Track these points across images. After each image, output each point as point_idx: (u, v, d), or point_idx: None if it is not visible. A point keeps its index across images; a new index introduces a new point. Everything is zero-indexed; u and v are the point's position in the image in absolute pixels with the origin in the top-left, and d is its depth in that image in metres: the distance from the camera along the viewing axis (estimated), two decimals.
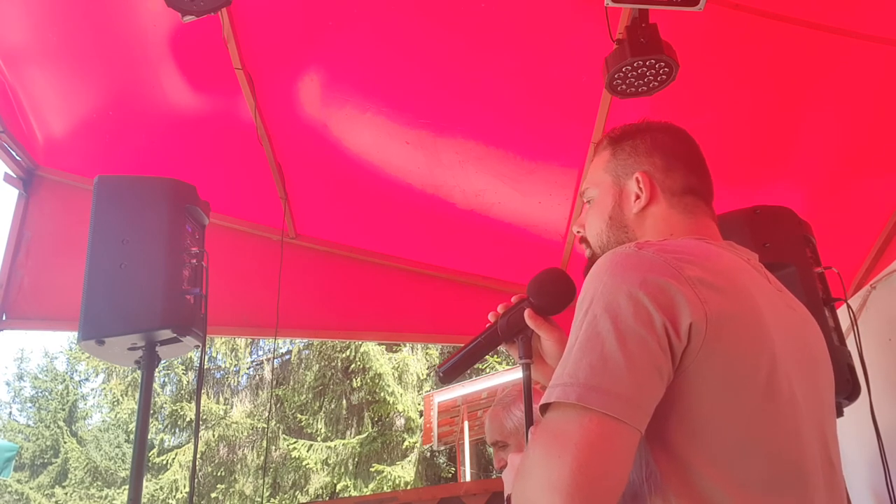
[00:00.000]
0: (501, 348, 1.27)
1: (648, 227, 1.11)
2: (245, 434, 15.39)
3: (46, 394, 20.67)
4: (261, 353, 16.83)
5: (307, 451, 14.48)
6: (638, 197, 1.11)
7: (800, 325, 1.04)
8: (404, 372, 15.32)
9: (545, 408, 0.86)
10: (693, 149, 1.17)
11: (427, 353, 15.78)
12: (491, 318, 1.25)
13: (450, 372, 1.25)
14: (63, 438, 18.36)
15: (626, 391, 0.81)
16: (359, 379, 15.00)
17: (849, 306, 2.00)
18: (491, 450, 2.43)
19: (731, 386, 0.87)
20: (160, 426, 16.34)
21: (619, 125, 1.21)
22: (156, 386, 14.98)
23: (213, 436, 15.10)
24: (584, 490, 0.78)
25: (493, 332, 1.23)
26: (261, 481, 14.86)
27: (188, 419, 15.64)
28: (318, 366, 15.83)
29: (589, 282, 0.93)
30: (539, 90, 2.48)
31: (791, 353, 0.95)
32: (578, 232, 1.22)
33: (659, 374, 0.84)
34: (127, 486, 1.89)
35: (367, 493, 12.64)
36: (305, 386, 15.82)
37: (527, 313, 1.20)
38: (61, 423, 19.07)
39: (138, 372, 1.96)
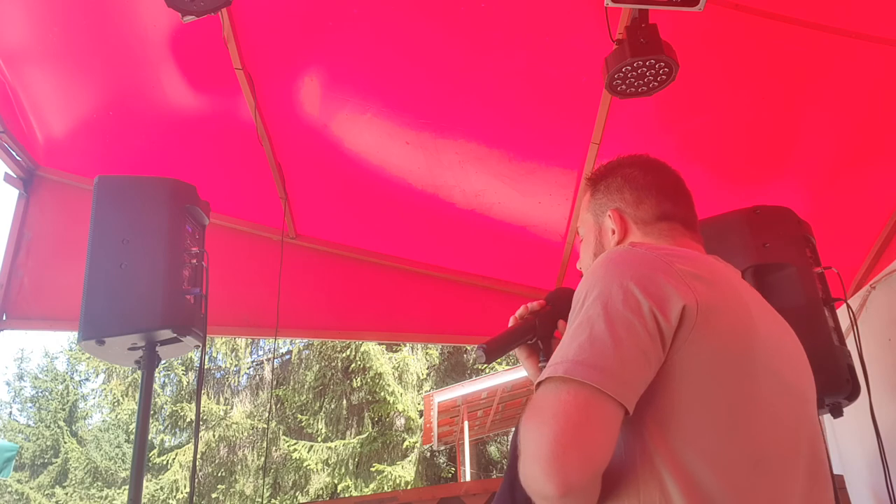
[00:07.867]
0: (514, 352, 1.29)
1: None
2: (245, 434, 15.38)
3: (46, 394, 20.66)
4: (261, 353, 16.83)
5: (307, 452, 14.48)
6: (614, 232, 1.21)
7: (782, 328, 1.08)
8: (404, 372, 15.32)
9: (538, 387, 0.91)
10: (664, 177, 1.23)
11: (427, 353, 15.79)
12: (519, 313, 1.28)
13: (495, 348, 1.21)
14: (63, 438, 18.35)
15: (608, 365, 0.86)
16: (359, 379, 14.99)
17: (849, 306, 2.00)
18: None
19: (718, 369, 0.92)
20: (160, 426, 16.34)
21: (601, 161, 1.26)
22: (156, 386, 15.00)
23: (214, 436, 15.09)
24: (561, 458, 0.81)
25: (531, 324, 1.26)
26: (261, 481, 14.86)
27: (188, 419, 15.63)
28: (318, 366, 15.83)
29: (586, 278, 1.00)
30: (539, 90, 2.48)
31: (775, 348, 1.00)
32: (580, 268, 1.30)
33: (645, 357, 0.88)
34: (127, 487, 1.89)
35: (368, 493, 12.64)
36: (305, 386, 15.82)
37: (560, 323, 1.25)
38: (61, 423, 19.06)
39: (138, 372, 1.96)
